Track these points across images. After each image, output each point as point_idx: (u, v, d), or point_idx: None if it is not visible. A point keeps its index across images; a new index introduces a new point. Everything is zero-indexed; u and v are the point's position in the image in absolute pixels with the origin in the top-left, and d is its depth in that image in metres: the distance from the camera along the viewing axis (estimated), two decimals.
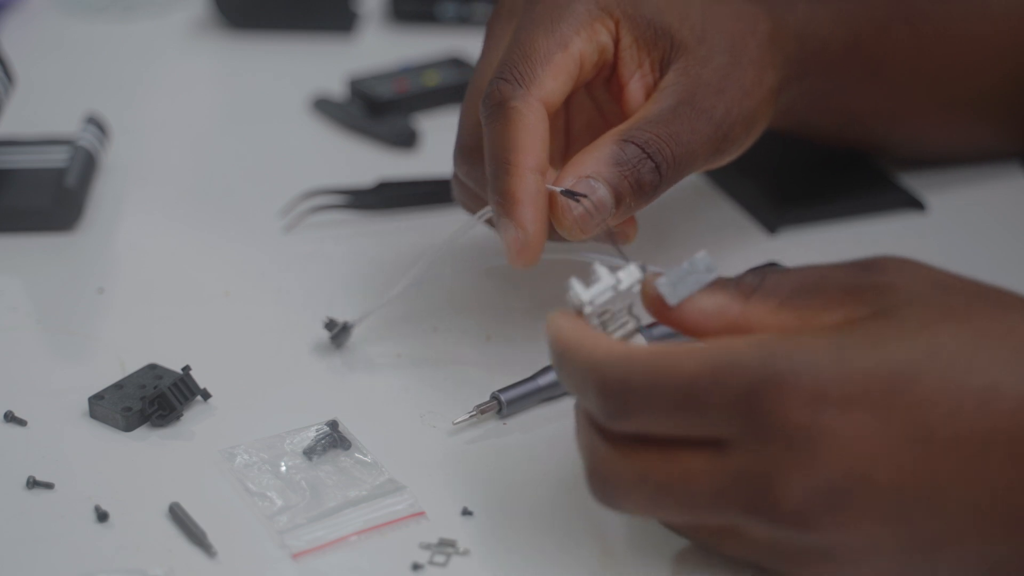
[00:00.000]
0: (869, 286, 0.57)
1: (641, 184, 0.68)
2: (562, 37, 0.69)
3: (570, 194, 0.66)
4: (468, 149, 0.71)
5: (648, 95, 0.71)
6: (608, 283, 0.59)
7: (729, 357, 0.55)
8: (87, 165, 0.90)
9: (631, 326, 0.60)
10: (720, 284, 0.59)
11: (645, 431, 0.56)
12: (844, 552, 0.55)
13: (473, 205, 0.75)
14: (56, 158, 0.90)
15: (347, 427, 0.69)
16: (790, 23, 0.76)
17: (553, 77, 0.68)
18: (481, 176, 0.70)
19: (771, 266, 0.78)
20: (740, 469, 0.55)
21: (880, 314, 0.56)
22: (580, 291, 0.59)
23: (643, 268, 0.60)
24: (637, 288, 0.60)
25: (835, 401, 0.54)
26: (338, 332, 0.74)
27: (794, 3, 0.77)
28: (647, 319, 0.60)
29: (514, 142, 0.66)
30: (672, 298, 0.58)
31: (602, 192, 0.67)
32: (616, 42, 0.71)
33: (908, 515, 0.54)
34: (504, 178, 0.66)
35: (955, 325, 0.55)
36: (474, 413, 0.69)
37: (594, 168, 0.67)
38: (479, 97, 0.70)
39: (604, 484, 0.58)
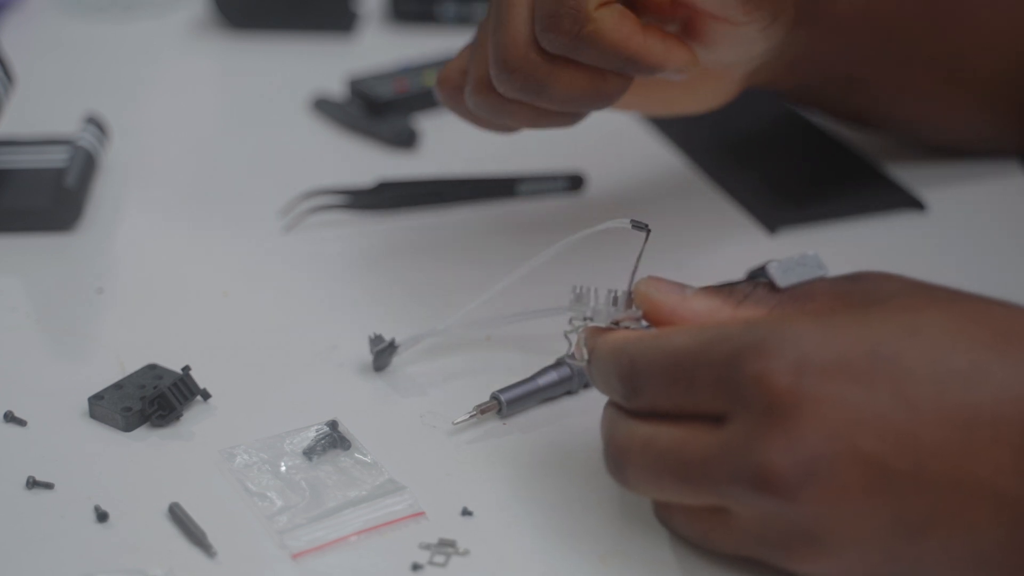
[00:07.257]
0: (856, 290, 0.59)
1: None
2: None
3: (638, 225, 0.66)
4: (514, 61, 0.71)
5: None
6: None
7: (717, 331, 0.57)
8: (87, 165, 0.90)
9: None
10: (713, 290, 0.62)
11: (655, 407, 0.59)
12: (829, 533, 0.56)
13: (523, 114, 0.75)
14: (56, 158, 0.90)
15: (347, 427, 0.68)
16: None
17: None
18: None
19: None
20: (729, 439, 0.56)
21: (867, 303, 0.58)
22: (584, 308, 0.63)
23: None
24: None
25: (818, 369, 0.55)
26: (383, 349, 0.72)
27: None
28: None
29: None
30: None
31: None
32: None
33: (891, 490, 0.54)
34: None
35: (939, 310, 0.57)
36: (474, 413, 0.69)
37: None
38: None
39: (617, 451, 0.60)
